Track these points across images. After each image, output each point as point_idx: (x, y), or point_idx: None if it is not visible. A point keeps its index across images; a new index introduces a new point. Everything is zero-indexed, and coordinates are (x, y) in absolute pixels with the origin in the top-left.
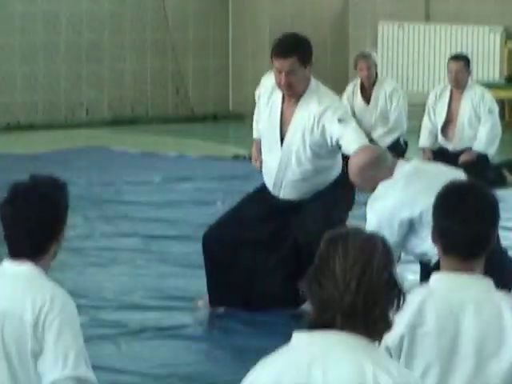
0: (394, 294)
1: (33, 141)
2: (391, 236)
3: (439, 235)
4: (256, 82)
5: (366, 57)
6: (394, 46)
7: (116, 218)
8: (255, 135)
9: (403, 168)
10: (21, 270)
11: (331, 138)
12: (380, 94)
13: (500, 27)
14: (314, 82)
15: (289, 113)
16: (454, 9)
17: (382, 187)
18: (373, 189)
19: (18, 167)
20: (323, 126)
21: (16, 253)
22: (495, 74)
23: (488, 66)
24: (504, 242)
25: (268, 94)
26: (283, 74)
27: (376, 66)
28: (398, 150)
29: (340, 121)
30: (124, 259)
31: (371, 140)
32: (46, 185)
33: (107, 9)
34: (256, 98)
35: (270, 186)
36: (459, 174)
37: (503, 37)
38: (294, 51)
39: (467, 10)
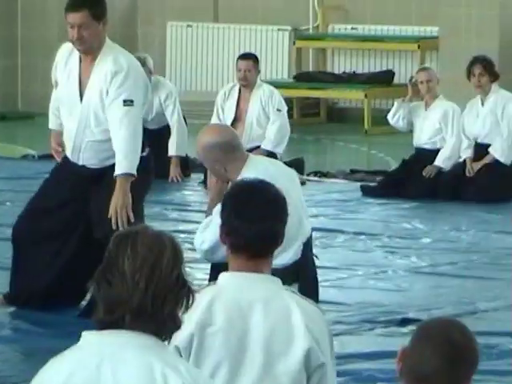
0: (183, 293)
1: None
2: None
3: (227, 234)
4: (46, 82)
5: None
6: (183, 45)
7: None
8: (51, 125)
9: (256, 166)
10: None
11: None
12: None
13: (288, 27)
14: (109, 41)
15: (86, 72)
16: (243, 9)
17: None
18: (220, 178)
19: None
20: (117, 88)
21: None
22: (284, 73)
23: (277, 65)
24: None
25: (65, 59)
26: (75, 28)
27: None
28: None
29: (126, 102)
30: None
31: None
32: None
33: None
34: (53, 69)
35: (69, 152)
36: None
37: (292, 36)
38: (85, 5)
39: (256, 9)
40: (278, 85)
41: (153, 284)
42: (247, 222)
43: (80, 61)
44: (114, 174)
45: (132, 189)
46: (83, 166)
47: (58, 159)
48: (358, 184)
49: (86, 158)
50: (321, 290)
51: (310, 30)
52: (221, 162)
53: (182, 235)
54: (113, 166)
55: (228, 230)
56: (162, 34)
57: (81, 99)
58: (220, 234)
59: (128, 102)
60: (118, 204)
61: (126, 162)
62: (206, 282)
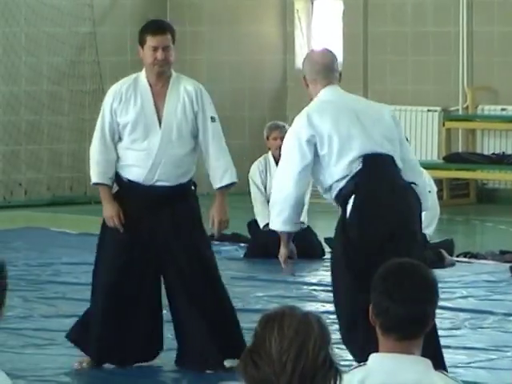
0: (330, 374)
1: None
2: (303, 158)
3: (378, 315)
4: None
5: (279, 127)
6: None
7: (55, 298)
8: (102, 179)
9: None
10: None
11: (200, 129)
12: None
13: (438, 107)
14: None
15: (160, 95)
16: (393, 90)
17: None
18: None
19: None
20: (203, 106)
21: None
22: (433, 154)
23: (426, 146)
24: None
25: (121, 95)
26: (160, 50)
27: None
28: None
29: (213, 119)
30: (62, 340)
31: None
32: None
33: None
34: (105, 115)
35: (144, 172)
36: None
37: (441, 117)
38: (169, 29)
39: (406, 90)
40: (427, 166)
41: (300, 366)
42: (398, 303)
43: (149, 86)
44: (218, 186)
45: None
46: (152, 187)
47: (118, 224)
48: (508, 265)
49: (163, 173)
50: (470, 371)
51: (460, 111)
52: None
53: (332, 316)
54: (183, 185)
55: (378, 311)
56: None
57: (158, 119)
58: (370, 315)
59: (214, 119)
60: (223, 218)
61: (227, 174)
62: (354, 364)
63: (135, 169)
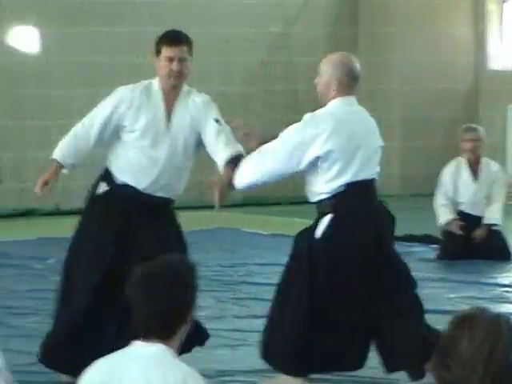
0: None
1: None
2: (288, 162)
3: None
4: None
5: (472, 130)
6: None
7: (247, 299)
8: (59, 157)
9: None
10: (152, 350)
11: (202, 130)
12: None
13: None
14: None
15: (169, 106)
16: None
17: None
18: None
19: None
20: (207, 112)
21: (146, 334)
22: None
23: None
24: None
25: (132, 100)
26: (175, 61)
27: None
28: None
29: (217, 121)
30: (255, 340)
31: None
32: (175, 266)
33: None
34: (108, 110)
35: (147, 181)
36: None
37: None
38: (185, 40)
39: None
40: None
41: (491, 367)
42: None
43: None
44: (223, 161)
45: None
46: (149, 196)
47: (40, 191)
48: None
49: (165, 185)
50: None
51: None
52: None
53: None
54: (172, 199)
55: None
56: (502, 115)
57: (167, 130)
58: None
59: (218, 121)
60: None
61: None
62: None
63: (138, 175)
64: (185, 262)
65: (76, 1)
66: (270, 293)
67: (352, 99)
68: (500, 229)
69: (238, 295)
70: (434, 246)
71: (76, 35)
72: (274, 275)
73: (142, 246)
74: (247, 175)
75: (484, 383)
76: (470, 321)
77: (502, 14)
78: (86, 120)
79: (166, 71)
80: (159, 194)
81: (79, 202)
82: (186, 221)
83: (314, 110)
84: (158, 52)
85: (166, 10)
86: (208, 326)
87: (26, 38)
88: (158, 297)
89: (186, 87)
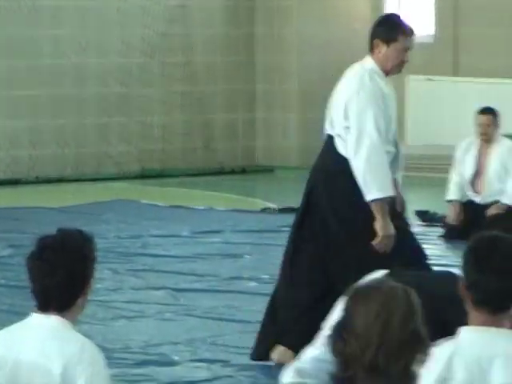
0: (418, 348)
1: (61, 194)
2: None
3: (469, 288)
4: (284, 135)
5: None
6: (423, 99)
7: (144, 270)
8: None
9: None
10: (49, 322)
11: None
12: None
13: None
14: None
15: None
16: (483, 63)
17: None
18: None
19: (46, 220)
20: None
21: (44, 305)
22: None
23: None
24: None
25: (382, 90)
26: (407, 52)
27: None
28: None
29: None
30: (152, 312)
31: None
32: (73, 238)
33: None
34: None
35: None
36: None
37: None
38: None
39: (495, 64)
40: None
41: (385, 339)
42: (490, 275)
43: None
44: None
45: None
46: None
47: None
48: None
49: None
50: None
51: None
52: None
53: None
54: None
55: (468, 284)
56: (400, 87)
57: None
58: (461, 288)
59: None
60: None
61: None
62: None
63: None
64: (83, 234)
65: None
66: (166, 264)
67: None
68: None
69: (135, 267)
70: None
71: None
72: (171, 247)
73: None
74: None
75: (378, 356)
76: (365, 294)
77: None
78: (375, 134)
79: (398, 62)
80: None
81: None
82: (84, 193)
83: (211, 82)
84: (393, 40)
85: None
86: (105, 298)
87: None
88: (56, 268)
89: None
